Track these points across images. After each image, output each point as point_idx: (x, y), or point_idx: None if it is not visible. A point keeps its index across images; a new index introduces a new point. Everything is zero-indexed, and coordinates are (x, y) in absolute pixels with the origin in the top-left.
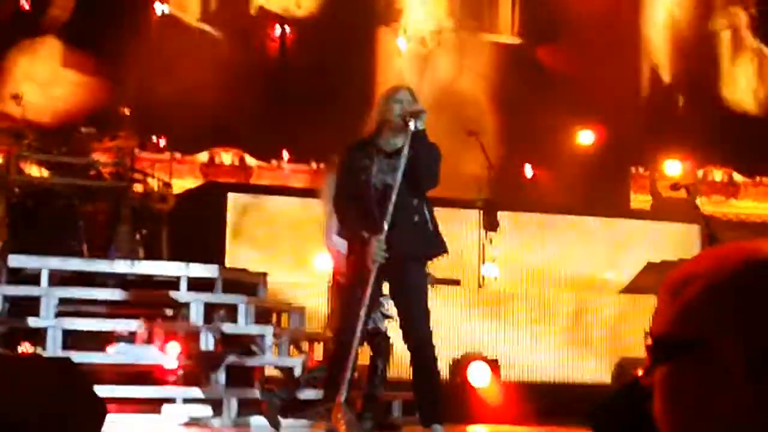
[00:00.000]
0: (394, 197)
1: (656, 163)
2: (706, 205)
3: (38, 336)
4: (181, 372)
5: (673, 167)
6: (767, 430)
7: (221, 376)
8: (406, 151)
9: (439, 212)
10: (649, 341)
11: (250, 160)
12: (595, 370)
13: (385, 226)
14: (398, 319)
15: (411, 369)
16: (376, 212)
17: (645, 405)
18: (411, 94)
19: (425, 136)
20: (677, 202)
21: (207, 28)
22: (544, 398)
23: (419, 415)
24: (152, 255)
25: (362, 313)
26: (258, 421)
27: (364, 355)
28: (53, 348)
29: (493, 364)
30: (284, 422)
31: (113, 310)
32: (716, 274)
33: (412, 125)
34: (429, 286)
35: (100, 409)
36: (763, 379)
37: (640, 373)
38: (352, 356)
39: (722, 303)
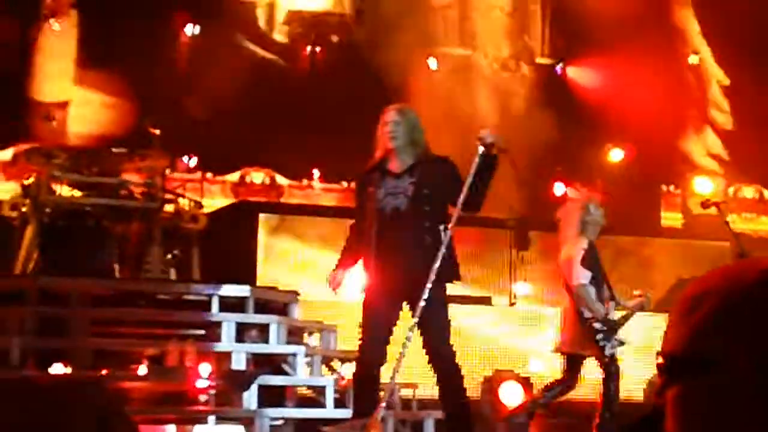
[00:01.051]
0: (455, 219)
1: (686, 180)
2: (737, 222)
3: (70, 356)
4: (212, 392)
5: (703, 185)
6: None
7: (253, 396)
8: (471, 176)
9: (471, 231)
10: (661, 360)
11: (281, 180)
12: (628, 388)
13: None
14: (421, 337)
15: (438, 389)
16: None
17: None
18: (398, 113)
19: (493, 163)
20: (708, 220)
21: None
22: (577, 416)
23: None
24: (183, 275)
25: (383, 333)
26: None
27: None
28: (84, 368)
29: (525, 383)
30: None
31: (144, 330)
32: (729, 291)
33: (480, 152)
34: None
35: (131, 429)
36: None
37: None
38: (377, 377)
39: (736, 321)
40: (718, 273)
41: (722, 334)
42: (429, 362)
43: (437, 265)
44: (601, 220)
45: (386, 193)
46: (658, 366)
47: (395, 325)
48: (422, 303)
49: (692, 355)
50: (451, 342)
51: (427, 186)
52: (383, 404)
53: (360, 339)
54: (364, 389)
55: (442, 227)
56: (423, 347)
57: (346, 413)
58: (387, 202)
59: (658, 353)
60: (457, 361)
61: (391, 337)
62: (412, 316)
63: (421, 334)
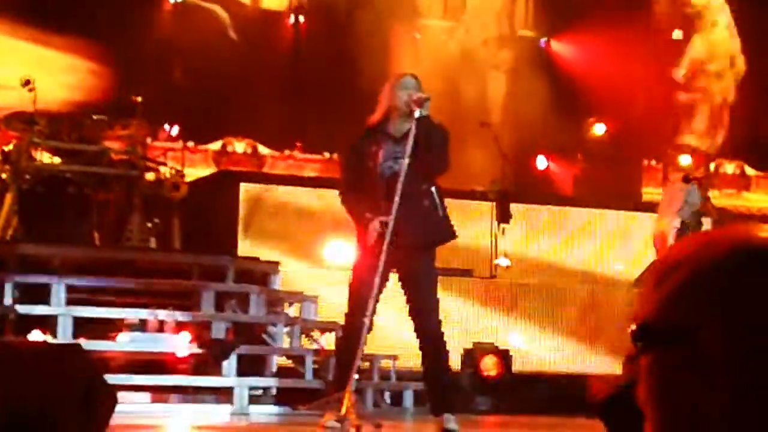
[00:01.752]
0: (400, 185)
1: (668, 155)
2: (718, 197)
3: (49, 324)
4: (192, 361)
5: (685, 160)
6: (752, 417)
7: (232, 365)
8: (411, 137)
9: (451, 203)
10: (634, 328)
11: (263, 150)
12: (607, 362)
13: (393, 212)
14: (407, 307)
15: (422, 358)
16: (379, 197)
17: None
18: (416, 81)
19: (431, 121)
20: None
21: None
22: (556, 389)
23: (429, 404)
24: (164, 244)
25: (371, 300)
26: (267, 410)
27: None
28: (64, 336)
29: (505, 355)
30: (295, 413)
31: (124, 298)
32: (702, 260)
33: (417, 112)
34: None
35: (110, 396)
36: (747, 365)
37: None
38: (360, 345)
39: (707, 290)
40: (690, 243)
41: (693, 304)
42: (415, 332)
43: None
44: (698, 203)
45: (386, 156)
46: (631, 334)
47: (382, 292)
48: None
49: (663, 324)
50: (439, 312)
51: (430, 152)
52: (355, 376)
53: (348, 305)
54: (347, 359)
55: (434, 189)
56: (410, 315)
57: (324, 383)
58: (388, 165)
59: (630, 321)
60: (442, 330)
61: (377, 305)
62: (401, 285)
63: (409, 302)
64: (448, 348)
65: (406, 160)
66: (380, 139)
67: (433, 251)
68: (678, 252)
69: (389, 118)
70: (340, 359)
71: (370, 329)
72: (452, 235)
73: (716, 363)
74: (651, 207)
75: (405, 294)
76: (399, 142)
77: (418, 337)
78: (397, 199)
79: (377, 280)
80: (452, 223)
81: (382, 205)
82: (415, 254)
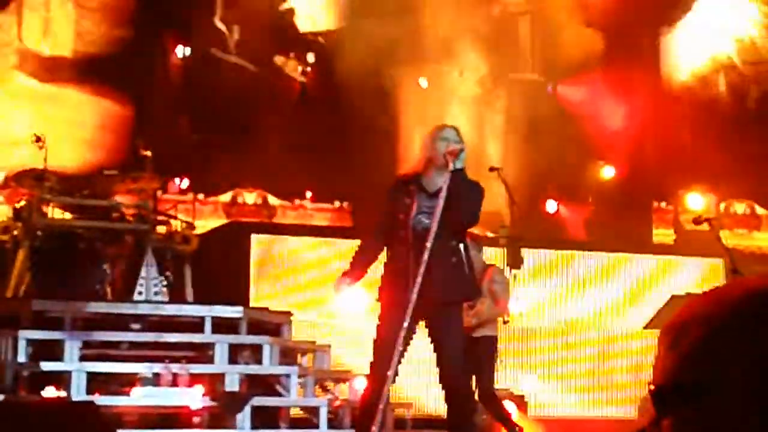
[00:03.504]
0: (430, 238)
1: (678, 197)
2: (729, 237)
3: (63, 380)
4: (206, 414)
5: (695, 201)
6: None
7: (246, 418)
8: (444, 191)
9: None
10: (651, 393)
11: (273, 200)
12: (621, 405)
13: (422, 267)
14: (435, 358)
15: (447, 410)
16: (406, 250)
17: None
18: (457, 133)
19: (464, 174)
20: (700, 236)
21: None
22: None
23: None
24: (176, 296)
25: (396, 353)
26: None
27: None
28: (78, 392)
29: (520, 401)
30: None
31: (137, 352)
32: (715, 316)
33: (451, 165)
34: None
35: None
36: None
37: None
38: (384, 394)
39: (724, 345)
40: (702, 299)
41: (711, 360)
42: (440, 382)
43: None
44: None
45: (419, 210)
46: (650, 399)
47: (409, 345)
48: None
49: (682, 384)
50: (463, 364)
51: (461, 207)
52: (377, 427)
53: (373, 356)
54: (372, 410)
55: (461, 246)
56: (438, 369)
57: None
58: (419, 219)
59: (648, 385)
60: (467, 381)
61: (403, 359)
62: (429, 336)
63: (436, 354)
64: (473, 400)
65: (438, 214)
66: (414, 192)
67: (460, 306)
68: (690, 310)
69: (426, 170)
70: (365, 408)
71: (393, 381)
72: (477, 293)
73: (742, 416)
74: (662, 249)
75: (432, 344)
76: (432, 197)
77: (443, 388)
78: (425, 253)
79: (401, 334)
80: (477, 281)
81: (405, 260)
82: (443, 309)
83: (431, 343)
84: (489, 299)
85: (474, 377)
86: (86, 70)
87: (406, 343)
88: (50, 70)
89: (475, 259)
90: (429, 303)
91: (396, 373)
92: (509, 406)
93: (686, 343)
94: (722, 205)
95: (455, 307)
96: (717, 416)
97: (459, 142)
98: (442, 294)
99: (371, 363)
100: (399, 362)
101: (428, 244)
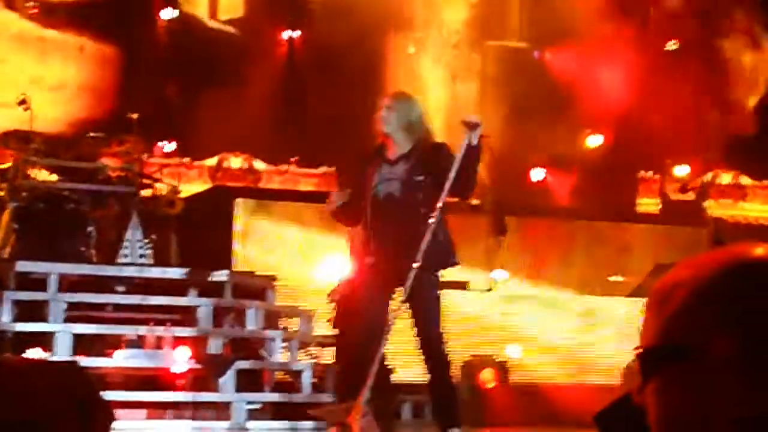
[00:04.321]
0: (440, 206)
1: (665, 166)
2: (715, 207)
3: (47, 341)
4: (190, 376)
5: (681, 171)
6: (765, 426)
7: (230, 381)
8: (458, 161)
9: (447, 217)
10: (638, 355)
11: (259, 165)
12: (604, 374)
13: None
14: (412, 323)
15: (426, 373)
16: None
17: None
18: (394, 100)
19: (479, 150)
20: (686, 205)
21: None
22: (554, 401)
23: (436, 419)
24: (161, 259)
25: (380, 315)
26: (266, 425)
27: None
28: (62, 353)
29: (503, 367)
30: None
31: (122, 315)
32: (700, 279)
33: (467, 139)
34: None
35: (108, 413)
36: (758, 374)
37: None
38: (372, 356)
39: (711, 303)
40: (688, 264)
41: (696, 322)
42: (419, 347)
43: (426, 252)
44: None
45: (381, 179)
46: (637, 361)
47: (386, 313)
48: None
49: (668, 345)
50: (441, 329)
51: (422, 173)
52: (367, 390)
53: (347, 326)
54: (350, 375)
55: (435, 213)
56: (414, 332)
57: (323, 398)
58: (382, 188)
59: (635, 349)
60: (444, 346)
61: (383, 326)
62: (405, 301)
63: (412, 318)
64: (451, 360)
65: (396, 183)
66: (378, 161)
67: (433, 272)
68: (677, 274)
69: (386, 139)
70: (345, 371)
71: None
72: (451, 263)
73: (729, 375)
74: (648, 218)
75: (409, 309)
76: (395, 164)
77: (422, 352)
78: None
79: (379, 298)
80: (453, 249)
81: (368, 231)
82: (419, 274)
83: (408, 309)
84: None
85: None
86: (74, 25)
87: (387, 305)
88: (37, 19)
89: None
90: (404, 269)
91: (382, 338)
92: (492, 373)
93: (672, 306)
94: (708, 175)
95: (430, 274)
96: (701, 378)
97: (395, 106)
98: (410, 260)
99: (348, 332)
100: (380, 330)
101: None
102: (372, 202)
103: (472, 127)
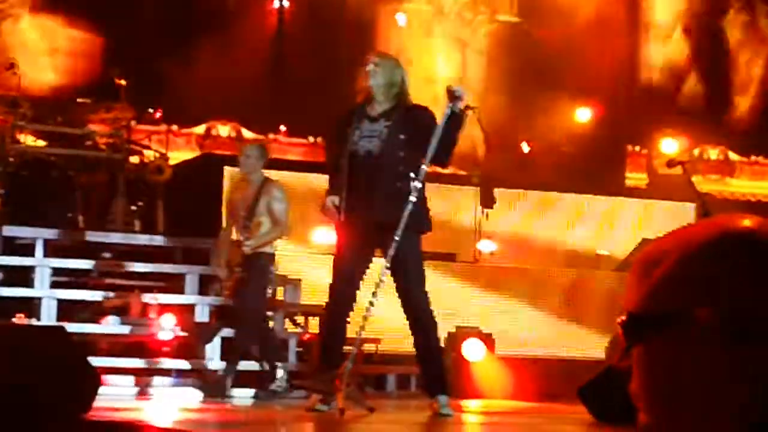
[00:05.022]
0: (426, 166)
1: (652, 141)
2: (702, 183)
3: (33, 306)
4: (175, 343)
5: (669, 145)
6: (749, 393)
7: (216, 349)
8: (440, 129)
9: (436, 188)
10: (622, 322)
11: (247, 133)
12: (590, 346)
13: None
14: (396, 288)
15: (412, 339)
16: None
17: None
18: (379, 57)
19: (461, 120)
20: (673, 180)
21: None
22: (539, 373)
23: (424, 386)
24: (148, 226)
25: (352, 281)
26: (250, 393)
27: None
28: (47, 318)
29: (488, 339)
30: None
31: (108, 281)
32: (688, 247)
33: (449, 107)
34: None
35: (94, 378)
36: (742, 342)
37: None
38: (345, 325)
39: (696, 273)
40: (675, 233)
41: (683, 287)
42: (405, 314)
43: (407, 213)
44: None
45: (361, 135)
46: (620, 327)
47: (365, 271)
48: (392, 251)
49: (653, 311)
50: (425, 290)
51: (402, 131)
52: (350, 358)
53: (330, 286)
54: (332, 340)
55: (412, 175)
56: (397, 295)
57: (308, 366)
58: (361, 145)
59: (618, 315)
60: (430, 308)
61: (361, 283)
62: (387, 265)
63: (395, 282)
64: (436, 322)
65: (375, 141)
66: (357, 120)
67: (416, 233)
68: (662, 243)
69: (368, 99)
70: (325, 341)
71: (351, 309)
72: (424, 228)
73: (711, 342)
74: (635, 192)
75: (391, 274)
76: (375, 121)
77: (407, 318)
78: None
79: (358, 255)
80: (428, 215)
81: (347, 188)
82: (395, 235)
83: (389, 269)
84: (268, 218)
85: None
86: None
87: (361, 270)
88: None
89: (251, 168)
90: (384, 230)
91: (352, 301)
92: (478, 344)
93: (657, 275)
94: (696, 151)
95: (410, 234)
96: (684, 347)
97: (381, 62)
98: (383, 217)
99: (329, 293)
100: (357, 288)
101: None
102: (351, 158)
103: (454, 96)
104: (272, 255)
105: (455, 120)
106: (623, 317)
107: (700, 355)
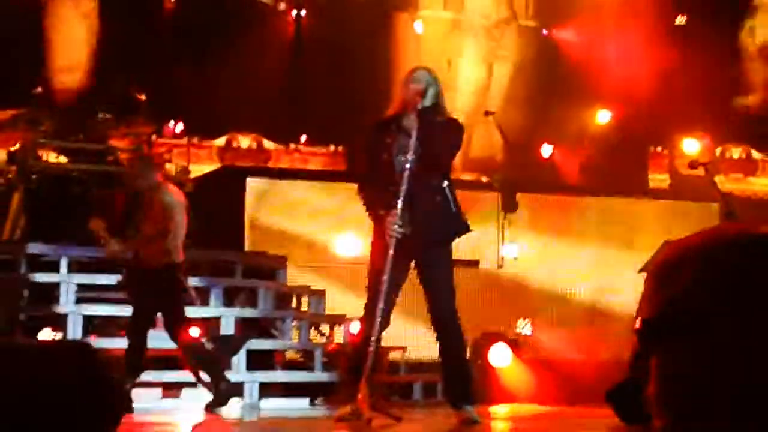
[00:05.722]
0: (406, 180)
1: (674, 141)
2: (725, 182)
3: (59, 322)
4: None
5: (691, 145)
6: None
7: (242, 360)
8: (414, 131)
9: (457, 194)
10: (639, 329)
11: (268, 144)
12: (616, 349)
13: (399, 204)
14: (426, 297)
15: (438, 349)
16: (393, 190)
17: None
18: (429, 73)
19: (431, 112)
20: (696, 181)
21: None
22: (566, 377)
23: (448, 395)
24: None
25: (386, 294)
26: (278, 403)
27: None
28: (74, 334)
29: (514, 344)
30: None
31: None
32: (708, 255)
33: (418, 104)
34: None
35: (121, 394)
36: (756, 353)
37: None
38: (375, 337)
39: (715, 280)
40: (694, 239)
41: (702, 294)
42: (432, 324)
43: (442, 223)
44: None
45: (398, 151)
46: (638, 333)
47: (401, 285)
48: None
49: (674, 319)
50: (454, 301)
51: (434, 145)
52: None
53: (367, 300)
54: (362, 353)
55: (445, 183)
56: (428, 306)
57: (334, 376)
58: (399, 159)
59: (635, 320)
60: (458, 319)
61: (396, 299)
62: (418, 277)
63: (424, 291)
64: (464, 335)
65: (410, 156)
66: (394, 132)
67: (448, 245)
68: (681, 251)
69: (403, 112)
70: (355, 352)
71: (388, 323)
72: (466, 229)
73: (729, 348)
74: (658, 193)
75: (422, 284)
76: (410, 137)
77: (435, 329)
78: (401, 192)
79: (395, 270)
80: (465, 216)
81: (393, 196)
82: (430, 247)
83: (420, 283)
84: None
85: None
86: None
87: (398, 285)
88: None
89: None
90: (417, 244)
91: (389, 316)
92: (504, 349)
93: (678, 281)
94: (718, 150)
95: (443, 246)
96: (701, 354)
97: (432, 82)
98: (429, 234)
99: (365, 306)
100: (392, 303)
101: (403, 187)
102: (389, 175)
103: (419, 94)
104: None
105: (425, 116)
106: (640, 324)
107: (717, 361)
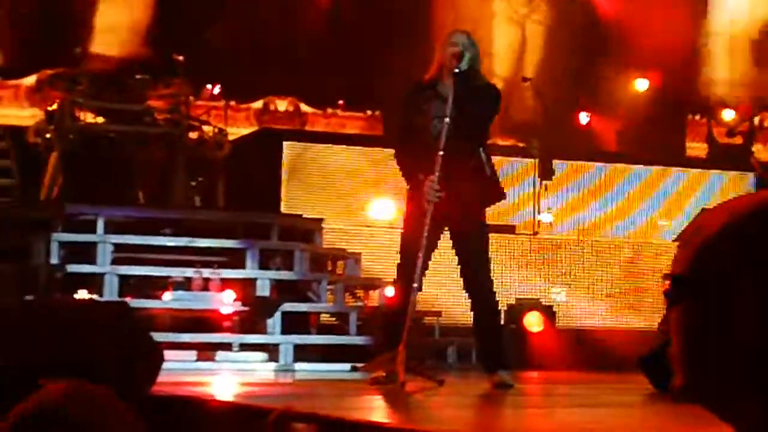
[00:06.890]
0: (442, 144)
1: (712, 110)
2: (762, 152)
3: (95, 282)
4: (236, 318)
5: (729, 114)
6: None
7: (276, 323)
8: (450, 95)
9: (494, 160)
10: (667, 285)
11: (305, 107)
12: (650, 316)
13: (437, 169)
14: (459, 264)
15: (472, 315)
16: (429, 155)
17: None
18: (467, 37)
19: (468, 77)
20: (733, 149)
21: None
22: (599, 344)
23: (482, 360)
24: (208, 202)
25: (420, 257)
26: (312, 366)
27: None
28: (110, 294)
29: (548, 311)
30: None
31: (169, 257)
32: (731, 216)
33: (455, 67)
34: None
35: (157, 353)
36: None
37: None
38: (410, 301)
39: (736, 242)
40: (723, 204)
41: (722, 256)
42: (465, 289)
43: (478, 189)
44: None
45: (435, 115)
46: (664, 293)
47: (434, 250)
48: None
49: (694, 276)
50: (489, 267)
51: (470, 110)
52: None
53: (399, 263)
54: (398, 317)
55: (481, 150)
56: (460, 273)
57: (368, 340)
58: (434, 125)
59: (664, 277)
60: (492, 285)
61: (429, 263)
62: (452, 242)
63: (458, 257)
64: (498, 301)
65: (447, 120)
66: (431, 96)
67: (483, 209)
68: (709, 214)
69: (440, 76)
70: (390, 317)
71: (420, 287)
72: (500, 196)
73: (745, 310)
74: (695, 162)
75: (455, 251)
76: (447, 102)
77: (468, 295)
78: (438, 158)
79: (429, 234)
80: (500, 184)
81: (431, 160)
82: (465, 212)
83: (453, 248)
84: None
85: None
86: None
87: (431, 250)
88: None
89: None
90: (451, 209)
91: (421, 280)
92: (538, 316)
93: (698, 240)
94: (756, 119)
95: (477, 211)
96: (720, 311)
97: (469, 46)
98: (462, 197)
99: (397, 270)
100: (425, 268)
101: (440, 152)
102: (425, 140)
103: (457, 57)
104: None
105: (461, 79)
106: (668, 280)
107: (736, 320)
